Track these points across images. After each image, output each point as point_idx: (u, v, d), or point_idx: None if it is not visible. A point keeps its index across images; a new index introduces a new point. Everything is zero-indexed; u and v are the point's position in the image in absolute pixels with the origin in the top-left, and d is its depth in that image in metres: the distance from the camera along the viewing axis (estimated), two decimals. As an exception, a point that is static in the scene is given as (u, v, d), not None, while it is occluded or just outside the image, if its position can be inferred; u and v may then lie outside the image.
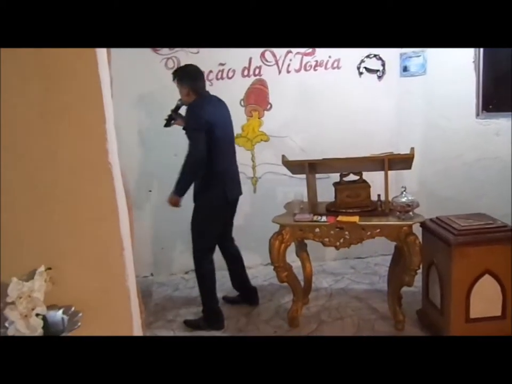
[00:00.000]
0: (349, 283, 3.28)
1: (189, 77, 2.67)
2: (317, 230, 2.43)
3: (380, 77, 3.47)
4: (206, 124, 2.53)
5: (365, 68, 3.44)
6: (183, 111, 2.78)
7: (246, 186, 3.61)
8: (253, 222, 3.65)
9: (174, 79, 2.69)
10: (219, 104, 2.77)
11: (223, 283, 3.14)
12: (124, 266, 1.47)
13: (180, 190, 2.57)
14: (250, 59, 3.38)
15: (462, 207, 2.87)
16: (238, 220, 3.66)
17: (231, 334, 2.64)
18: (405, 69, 3.42)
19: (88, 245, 1.42)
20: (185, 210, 2.90)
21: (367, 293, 3.07)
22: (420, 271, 2.43)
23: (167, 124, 2.82)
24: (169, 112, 2.82)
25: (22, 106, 1.29)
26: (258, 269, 3.64)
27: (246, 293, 3.06)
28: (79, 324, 1.28)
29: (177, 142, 2.86)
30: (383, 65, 3.44)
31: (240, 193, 2.90)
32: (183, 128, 2.73)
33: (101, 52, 1.40)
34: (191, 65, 2.75)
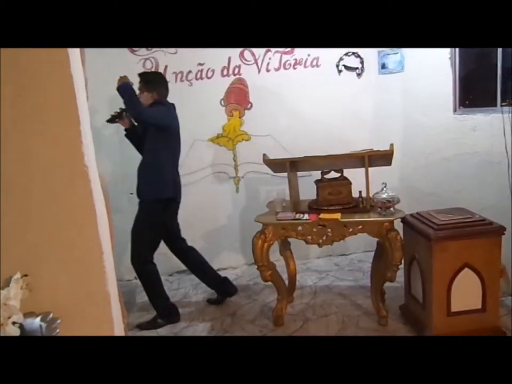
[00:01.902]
0: (333, 280, 3.30)
1: (159, 84, 2.73)
2: (300, 228, 2.43)
3: (359, 75, 3.50)
4: (168, 126, 2.66)
5: (344, 65, 3.46)
6: None
7: (228, 186, 3.61)
8: (236, 222, 3.64)
9: (141, 82, 2.70)
10: (175, 112, 2.82)
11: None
12: (104, 270, 1.45)
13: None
14: (229, 58, 3.37)
15: (441, 201, 2.91)
16: (221, 219, 3.66)
17: (217, 334, 2.63)
18: (383, 66, 3.46)
19: (66, 249, 1.39)
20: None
21: (351, 289, 3.09)
22: (401, 266, 2.46)
23: (111, 120, 2.75)
24: (119, 110, 2.74)
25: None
26: (242, 269, 3.64)
27: (220, 286, 3.07)
28: (58, 330, 1.25)
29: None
30: (362, 62, 3.47)
31: (180, 197, 2.90)
32: (125, 130, 2.82)
33: (74, 52, 1.38)
34: (160, 73, 2.85)
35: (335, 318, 2.69)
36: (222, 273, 3.60)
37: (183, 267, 3.61)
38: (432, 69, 3.17)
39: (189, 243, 3.51)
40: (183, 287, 3.36)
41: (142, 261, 2.75)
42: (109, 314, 1.48)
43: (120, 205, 3.40)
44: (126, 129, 2.82)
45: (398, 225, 2.48)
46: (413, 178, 3.49)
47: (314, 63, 3.44)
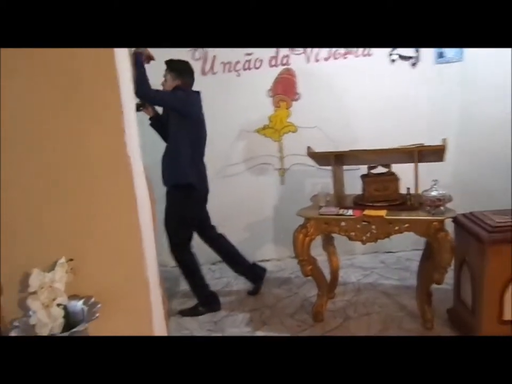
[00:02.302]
0: (378, 278, 3.19)
1: (185, 72, 2.72)
2: (343, 223, 2.36)
3: (413, 64, 3.33)
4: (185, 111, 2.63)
5: (398, 54, 3.30)
6: None
7: (273, 177, 3.59)
8: (281, 214, 3.62)
9: (167, 69, 2.70)
10: (198, 100, 2.78)
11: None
12: (143, 257, 1.49)
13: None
14: (278, 48, 3.31)
15: (500, 201, 2.72)
16: (265, 211, 3.65)
17: (255, 326, 2.63)
18: (440, 55, 3.25)
19: (108, 236, 1.44)
20: (211, 202, 2.92)
21: (396, 289, 2.98)
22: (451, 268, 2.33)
23: (137, 109, 2.67)
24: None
25: (44, 105, 1.31)
26: (285, 262, 3.62)
27: (249, 272, 3.09)
28: (97, 314, 1.30)
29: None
30: (417, 51, 3.29)
31: (204, 187, 2.86)
32: (150, 119, 2.81)
33: (119, 50, 1.41)
34: (187, 62, 2.78)
35: (377, 318, 2.61)
36: (265, 265, 3.62)
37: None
38: (493, 58, 2.95)
39: (232, 233, 3.54)
40: (226, 277, 3.40)
41: (177, 249, 2.80)
42: (148, 300, 1.53)
43: (160, 194, 3.48)
44: (150, 118, 2.83)
45: (450, 225, 2.34)
46: (469, 175, 3.29)
47: (366, 52, 3.31)
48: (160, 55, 3.12)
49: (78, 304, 1.37)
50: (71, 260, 1.37)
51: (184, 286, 3.30)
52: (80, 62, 1.32)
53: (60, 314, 1.28)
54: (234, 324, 2.69)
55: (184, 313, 2.88)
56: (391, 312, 2.66)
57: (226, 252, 3.05)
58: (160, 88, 2.72)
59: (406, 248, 3.59)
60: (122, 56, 1.49)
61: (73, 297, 1.36)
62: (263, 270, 3.11)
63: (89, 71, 1.33)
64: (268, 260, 3.69)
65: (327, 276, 2.86)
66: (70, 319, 1.32)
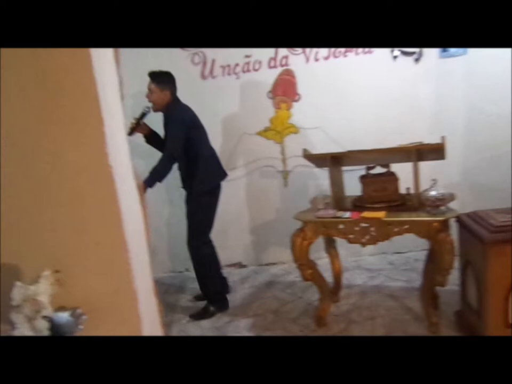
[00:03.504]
0: (385, 280, 3.12)
1: (172, 81, 2.76)
2: (341, 226, 2.31)
3: (416, 60, 3.24)
4: (187, 127, 2.69)
5: (400, 50, 3.22)
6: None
7: (276, 180, 3.55)
8: (285, 217, 3.56)
9: (154, 82, 2.72)
10: (188, 106, 2.83)
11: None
12: (130, 268, 1.47)
13: (151, 180, 2.63)
14: (276, 49, 3.28)
15: (508, 198, 2.63)
16: (269, 214, 3.62)
17: (257, 332, 2.60)
18: (444, 49, 3.16)
19: (93, 248, 1.42)
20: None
21: (403, 291, 2.90)
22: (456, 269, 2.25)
23: (131, 133, 2.73)
24: (134, 120, 2.76)
25: (21, 110, 1.31)
26: (291, 265, 3.57)
27: (215, 294, 3.06)
28: (81, 326, 1.30)
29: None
30: (420, 46, 3.20)
31: (225, 174, 2.97)
32: (144, 136, 2.88)
33: (101, 53, 1.39)
34: (169, 72, 2.80)
35: (382, 322, 2.54)
36: (271, 268, 3.59)
37: (234, 260, 3.65)
38: (499, 51, 2.84)
39: (236, 237, 3.54)
40: (230, 281, 3.37)
41: (206, 246, 2.89)
42: (136, 311, 1.51)
43: (172, 198, 3.49)
44: (144, 136, 2.88)
45: (455, 225, 2.27)
46: (477, 172, 3.19)
47: (366, 49, 3.24)
48: (159, 59, 3.15)
49: (65, 316, 1.36)
50: (57, 271, 1.37)
51: (189, 292, 3.31)
52: (57, 72, 1.31)
53: (45, 327, 1.28)
54: (236, 330, 2.66)
55: (195, 317, 2.89)
56: (396, 315, 2.59)
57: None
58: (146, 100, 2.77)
59: (415, 248, 3.50)
60: (104, 62, 1.47)
61: (59, 309, 1.36)
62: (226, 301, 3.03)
63: (67, 82, 1.32)
64: (273, 263, 3.66)
65: (331, 280, 2.81)
66: (56, 332, 1.31)
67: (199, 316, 2.89)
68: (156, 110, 2.77)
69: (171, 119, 2.72)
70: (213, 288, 2.94)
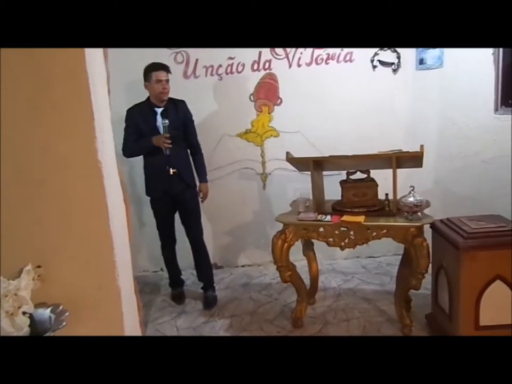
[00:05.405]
0: (359, 283, 3.19)
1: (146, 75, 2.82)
2: (321, 229, 2.36)
3: (394, 70, 3.35)
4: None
5: (379, 61, 3.32)
6: None
7: (255, 182, 3.57)
8: (262, 219, 3.60)
9: (168, 72, 2.80)
10: None
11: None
12: (115, 265, 1.45)
13: (206, 175, 3.01)
14: (260, 53, 3.31)
15: (478, 207, 2.75)
16: (247, 216, 3.64)
17: (234, 333, 2.61)
18: (421, 61, 3.28)
19: (78, 243, 1.40)
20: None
21: (376, 294, 2.99)
22: (428, 274, 2.34)
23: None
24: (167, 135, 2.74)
25: (11, 105, 1.28)
26: (267, 267, 3.60)
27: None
28: (64, 323, 1.27)
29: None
30: (399, 57, 3.31)
31: None
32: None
33: (92, 50, 1.38)
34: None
35: (357, 323, 2.61)
36: (247, 270, 3.60)
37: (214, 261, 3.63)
38: (473, 65, 2.98)
39: (214, 238, 3.54)
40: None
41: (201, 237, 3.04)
42: (119, 308, 1.49)
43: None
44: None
45: (429, 231, 2.35)
46: (449, 181, 3.32)
47: (347, 58, 3.32)
48: (142, 55, 3.10)
49: (46, 312, 1.33)
50: (39, 266, 1.34)
51: (164, 291, 3.27)
52: (50, 65, 1.29)
53: (25, 323, 1.25)
54: (213, 330, 2.66)
55: (209, 306, 2.98)
56: (370, 317, 2.66)
57: None
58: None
59: (387, 253, 3.60)
60: (95, 59, 1.46)
61: (41, 305, 1.32)
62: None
63: (58, 75, 1.30)
64: (250, 265, 3.68)
65: (308, 281, 2.86)
66: (37, 328, 1.28)
67: (212, 304, 2.98)
68: (162, 102, 2.80)
69: (180, 110, 2.85)
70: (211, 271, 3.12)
